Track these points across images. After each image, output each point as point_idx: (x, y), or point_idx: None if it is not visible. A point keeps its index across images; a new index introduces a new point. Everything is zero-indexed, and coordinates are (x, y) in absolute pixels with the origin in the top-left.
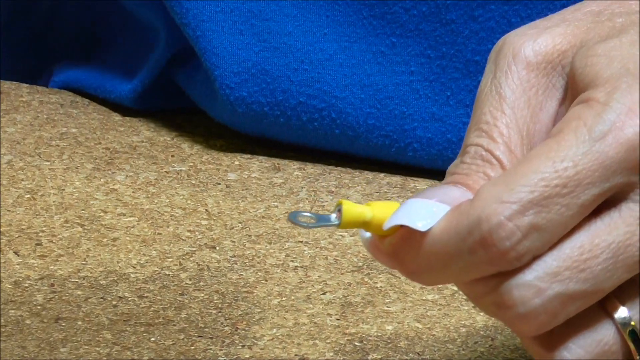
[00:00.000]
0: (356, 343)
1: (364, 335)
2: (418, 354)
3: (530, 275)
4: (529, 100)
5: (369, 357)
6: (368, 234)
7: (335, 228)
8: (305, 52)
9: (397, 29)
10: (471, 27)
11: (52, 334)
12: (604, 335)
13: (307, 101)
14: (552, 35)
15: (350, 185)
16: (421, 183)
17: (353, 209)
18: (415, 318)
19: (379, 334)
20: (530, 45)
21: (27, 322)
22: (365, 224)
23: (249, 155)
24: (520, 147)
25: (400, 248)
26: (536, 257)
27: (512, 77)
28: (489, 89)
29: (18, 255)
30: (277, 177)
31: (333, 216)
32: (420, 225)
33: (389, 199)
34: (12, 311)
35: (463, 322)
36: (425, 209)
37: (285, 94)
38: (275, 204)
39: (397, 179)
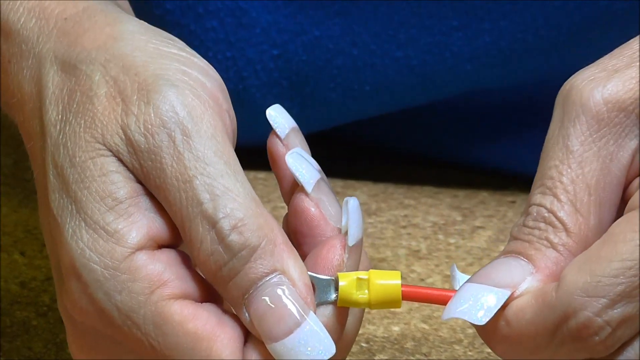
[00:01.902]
0: (362, 344)
1: (370, 336)
2: (424, 355)
3: None
4: (599, 151)
5: (376, 358)
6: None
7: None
8: (347, 105)
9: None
10: None
11: (59, 335)
12: None
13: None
14: (622, 79)
15: (356, 185)
16: (427, 185)
17: (349, 297)
18: (421, 319)
19: (386, 335)
20: (600, 92)
21: (34, 322)
22: (362, 306)
23: (255, 156)
24: (587, 204)
25: (484, 335)
26: (625, 343)
27: (581, 127)
28: (556, 140)
29: (24, 256)
30: None
31: (333, 295)
32: (480, 316)
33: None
34: (19, 312)
35: (470, 323)
36: (484, 297)
37: None
38: (282, 204)
39: (402, 179)
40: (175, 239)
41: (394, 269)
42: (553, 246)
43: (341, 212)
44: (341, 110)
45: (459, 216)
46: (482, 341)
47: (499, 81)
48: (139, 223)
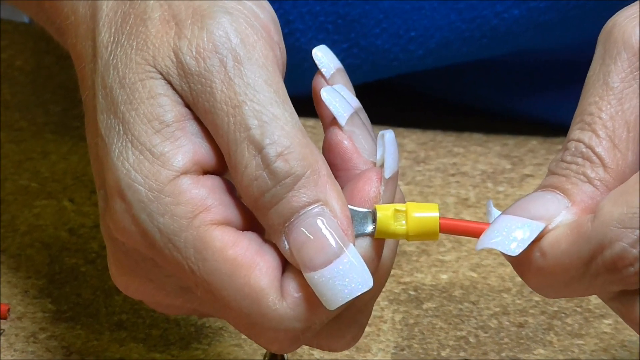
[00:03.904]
0: (411, 292)
1: (418, 284)
2: (473, 303)
3: None
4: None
5: (424, 306)
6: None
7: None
8: (393, 52)
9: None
10: None
11: (107, 282)
12: None
13: None
14: None
15: (405, 133)
16: (477, 133)
17: (387, 228)
18: (470, 267)
19: (434, 283)
20: None
21: (82, 269)
22: (399, 237)
23: (302, 104)
24: (625, 140)
25: (519, 268)
26: None
27: (622, 64)
28: (596, 77)
29: (73, 203)
30: None
31: (370, 227)
32: (513, 247)
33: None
34: (67, 259)
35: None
36: (518, 228)
37: None
38: None
39: (451, 127)
40: (221, 166)
41: (442, 217)
42: (590, 181)
43: (375, 145)
44: (386, 60)
45: (508, 164)
46: (531, 289)
47: (544, 36)
48: (185, 147)
